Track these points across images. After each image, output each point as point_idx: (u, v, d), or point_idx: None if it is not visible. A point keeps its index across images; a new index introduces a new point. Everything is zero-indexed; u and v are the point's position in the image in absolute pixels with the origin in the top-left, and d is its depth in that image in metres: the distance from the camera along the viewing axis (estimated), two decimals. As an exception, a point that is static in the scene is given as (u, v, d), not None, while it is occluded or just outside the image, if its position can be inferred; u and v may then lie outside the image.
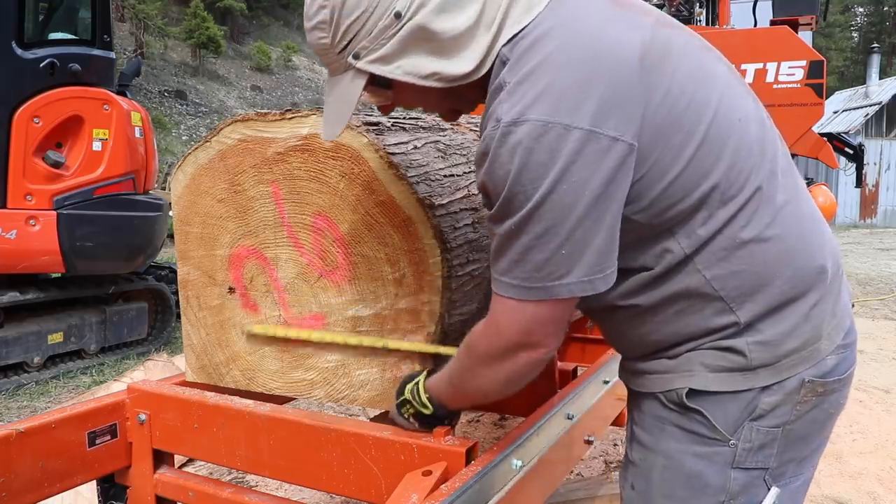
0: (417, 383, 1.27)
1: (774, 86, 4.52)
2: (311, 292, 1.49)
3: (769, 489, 1.04)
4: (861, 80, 28.25)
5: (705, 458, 1.03)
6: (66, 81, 4.37)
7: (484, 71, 1.01)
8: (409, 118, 1.64)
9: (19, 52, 4.25)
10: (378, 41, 1.01)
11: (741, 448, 1.02)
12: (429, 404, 1.24)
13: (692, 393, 1.02)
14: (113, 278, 4.95)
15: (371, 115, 1.48)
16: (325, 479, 1.38)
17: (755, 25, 5.64)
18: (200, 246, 1.60)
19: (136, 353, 5.13)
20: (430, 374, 1.29)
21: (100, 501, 1.65)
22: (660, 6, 6.39)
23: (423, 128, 1.64)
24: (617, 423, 2.17)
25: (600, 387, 1.87)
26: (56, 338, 4.57)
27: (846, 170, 7.93)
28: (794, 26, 4.92)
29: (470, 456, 1.24)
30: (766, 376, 1.00)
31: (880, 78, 24.67)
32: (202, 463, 2.78)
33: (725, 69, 1.06)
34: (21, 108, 4.21)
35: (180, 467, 1.79)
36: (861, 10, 48.25)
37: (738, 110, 1.01)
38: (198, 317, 1.64)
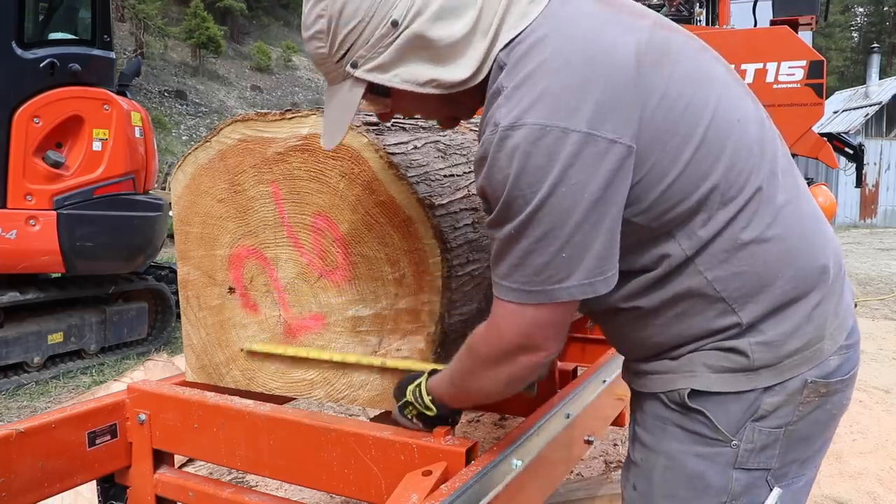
0: (419, 385, 1.27)
1: (774, 86, 4.52)
2: (311, 292, 1.49)
3: (771, 490, 1.04)
4: (861, 80, 28.25)
5: (707, 459, 1.03)
6: (66, 81, 4.37)
7: (481, 77, 1.01)
8: (409, 118, 1.64)
9: (19, 52, 4.25)
10: (375, 50, 1.01)
11: (743, 449, 1.01)
12: (432, 406, 1.25)
13: (694, 393, 1.02)
14: (113, 278, 4.95)
15: (371, 115, 1.48)
16: (325, 479, 1.38)
17: (755, 25, 5.64)
18: (200, 246, 1.60)
19: (136, 353, 5.13)
20: (430, 374, 1.29)
21: (100, 501, 1.65)
22: (659, 6, 6.40)
23: (424, 128, 1.64)
24: (617, 423, 2.17)
25: (600, 387, 1.86)
26: (56, 338, 4.57)
27: (846, 170, 7.94)
28: (794, 26, 4.92)
29: (470, 456, 1.24)
30: (769, 377, 1.00)
31: (880, 78, 24.67)
32: (202, 463, 2.78)
33: (724, 70, 1.06)
34: (21, 108, 4.21)
35: (180, 467, 1.78)
36: (861, 10, 48.26)
37: (736, 111, 1.01)
38: (198, 317, 1.64)
